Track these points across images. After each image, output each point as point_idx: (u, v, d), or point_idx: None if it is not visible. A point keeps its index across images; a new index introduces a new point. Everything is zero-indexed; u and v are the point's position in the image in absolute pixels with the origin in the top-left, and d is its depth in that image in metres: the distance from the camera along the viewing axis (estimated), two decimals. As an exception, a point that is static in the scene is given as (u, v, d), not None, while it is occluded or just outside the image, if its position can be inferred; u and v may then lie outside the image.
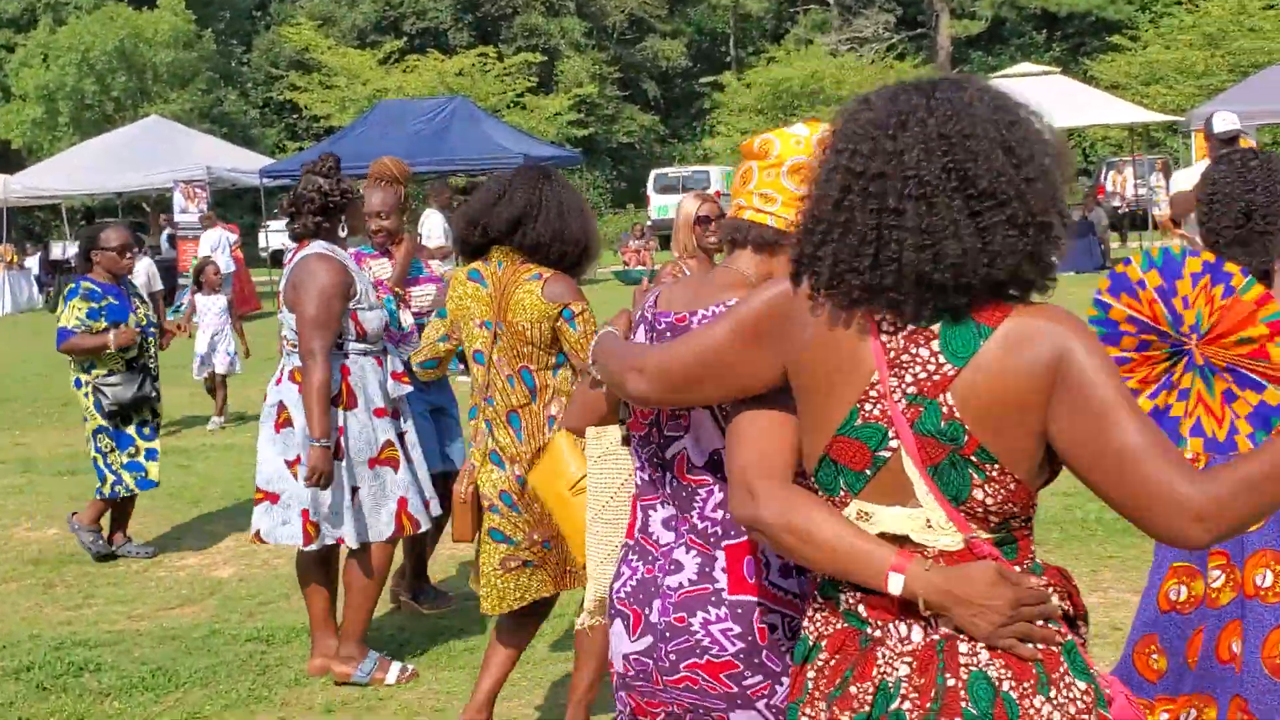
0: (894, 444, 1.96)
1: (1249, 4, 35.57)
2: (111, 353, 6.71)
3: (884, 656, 2.00)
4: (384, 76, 39.17)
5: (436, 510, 5.21)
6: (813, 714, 2.07)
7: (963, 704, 1.93)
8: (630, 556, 2.49)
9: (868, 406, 1.97)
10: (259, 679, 5.15)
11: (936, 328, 1.94)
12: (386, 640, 5.53)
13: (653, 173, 38.28)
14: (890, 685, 1.98)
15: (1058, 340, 1.90)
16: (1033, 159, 1.94)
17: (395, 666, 5.04)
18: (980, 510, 1.95)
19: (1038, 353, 1.90)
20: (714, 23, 52.07)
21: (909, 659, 1.98)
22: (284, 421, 4.97)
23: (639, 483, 2.52)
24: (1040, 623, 1.95)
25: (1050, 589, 2.00)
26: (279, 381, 5.02)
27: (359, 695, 4.91)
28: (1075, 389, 1.89)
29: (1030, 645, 1.94)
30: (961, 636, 1.95)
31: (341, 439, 4.90)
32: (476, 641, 5.41)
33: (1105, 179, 25.51)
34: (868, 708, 1.99)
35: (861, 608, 2.03)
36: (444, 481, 5.71)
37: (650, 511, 2.47)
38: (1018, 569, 1.97)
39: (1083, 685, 1.97)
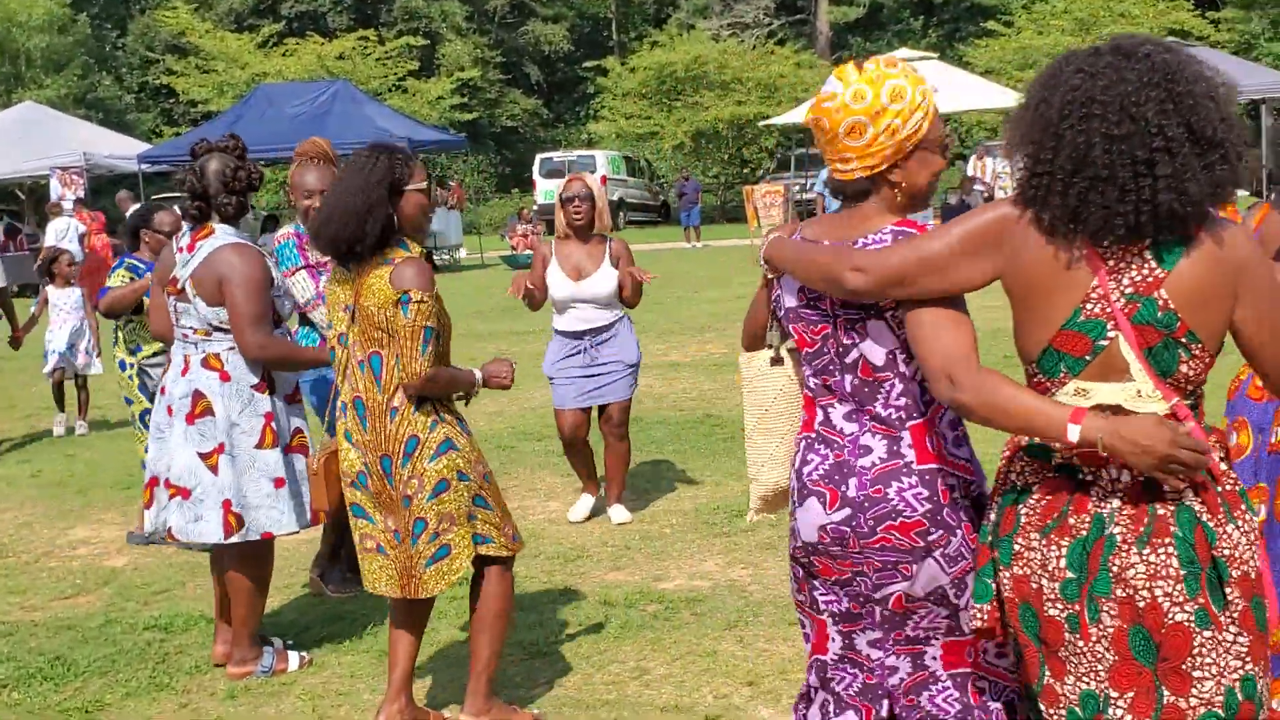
0: (1112, 334, 2.48)
1: (1118, -10, 36.55)
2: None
3: (1097, 494, 2.53)
4: (263, 60, 38.63)
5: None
6: (1025, 543, 2.59)
7: (1171, 528, 2.46)
8: (816, 446, 2.92)
9: (1089, 306, 2.49)
10: (159, 667, 5.12)
11: (1148, 242, 2.47)
12: (288, 626, 5.54)
13: (538, 157, 38.21)
14: (1105, 515, 2.51)
15: (1240, 245, 2.48)
16: (1226, 104, 2.46)
17: (294, 656, 5.03)
18: (1182, 381, 2.50)
19: (1228, 255, 2.46)
20: (596, 7, 52.08)
21: (1120, 495, 2.51)
22: (201, 411, 4.82)
23: (812, 388, 2.95)
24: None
25: (1215, 443, 2.53)
26: (185, 372, 4.86)
27: (262, 681, 4.92)
28: (1254, 281, 2.48)
29: (1180, 479, 2.43)
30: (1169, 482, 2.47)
31: (272, 425, 4.84)
32: (380, 625, 5.43)
33: (970, 165, 25.97)
34: (1084, 532, 2.51)
35: (1075, 458, 2.53)
36: None
37: (829, 409, 2.91)
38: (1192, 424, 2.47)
39: (1255, 521, 2.54)
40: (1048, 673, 2.59)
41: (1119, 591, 2.46)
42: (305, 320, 5.68)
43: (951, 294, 2.65)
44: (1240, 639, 2.47)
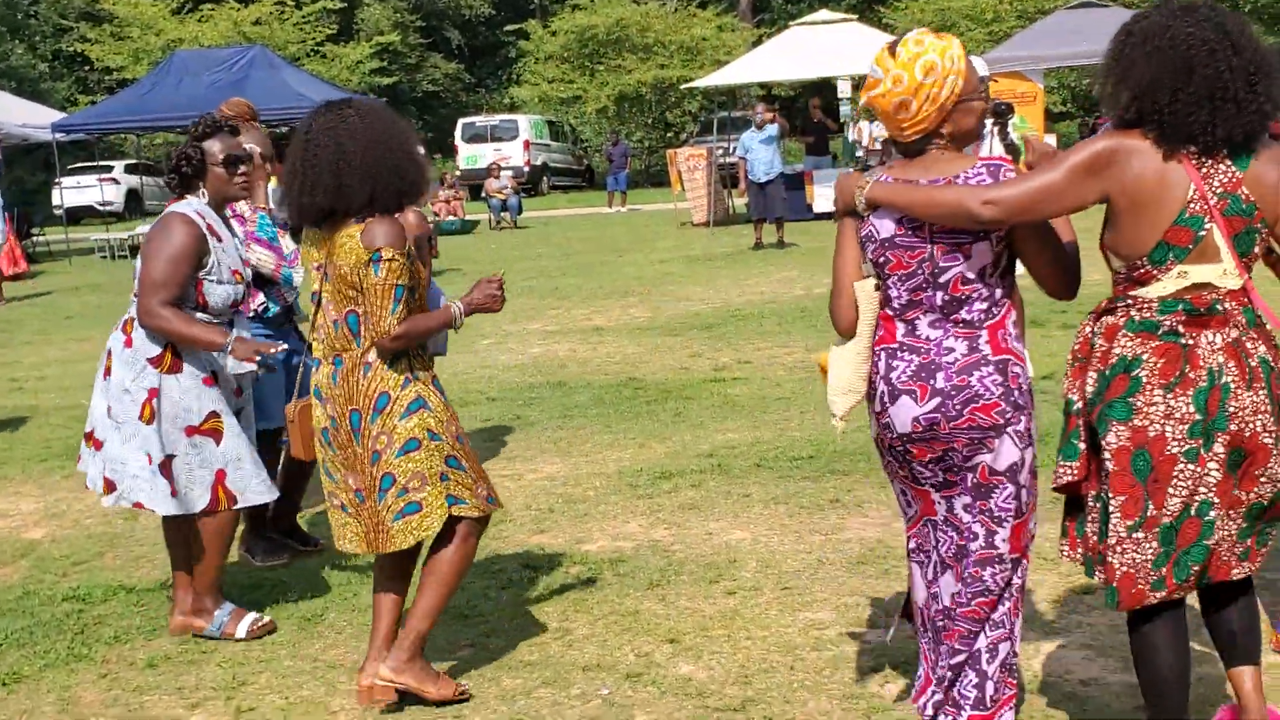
0: (1209, 226, 3.18)
1: (1035, -49, 36.76)
2: None
3: (1203, 354, 3.20)
4: (178, 26, 37.98)
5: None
6: (1147, 399, 3.23)
7: (1260, 372, 3.20)
8: (900, 354, 3.49)
9: (1192, 205, 3.18)
10: (78, 638, 5.08)
11: (1224, 152, 3.20)
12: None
13: (460, 122, 37.92)
14: (1216, 369, 3.20)
15: (1277, 153, 3.23)
16: (1267, 53, 3.22)
17: (248, 618, 4.99)
18: (1249, 260, 3.24)
19: (1275, 158, 3.22)
20: (517, -30, 51.62)
21: (1221, 353, 3.20)
22: (107, 370, 4.90)
23: (898, 306, 3.50)
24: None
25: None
26: (115, 330, 4.95)
27: (182, 650, 4.90)
28: None
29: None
30: (1247, 336, 3.22)
31: (154, 402, 4.80)
32: (302, 592, 5.42)
33: (851, 130, 26.08)
34: (1204, 383, 3.19)
35: (1180, 326, 3.22)
36: (271, 436, 5.77)
37: (915, 322, 3.49)
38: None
39: None
40: (1151, 506, 3.24)
41: (1232, 426, 3.20)
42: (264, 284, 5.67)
43: (1065, 214, 3.31)
44: None
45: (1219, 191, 3.19)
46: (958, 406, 3.41)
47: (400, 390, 4.07)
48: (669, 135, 39.93)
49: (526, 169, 35.59)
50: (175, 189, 4.95)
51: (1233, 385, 3.19)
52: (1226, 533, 3.30)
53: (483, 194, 27.83)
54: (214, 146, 4.97)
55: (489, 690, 4.36)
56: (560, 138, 39.04)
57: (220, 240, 4.91)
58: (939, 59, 3.38)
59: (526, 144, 36.36)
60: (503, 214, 26.73)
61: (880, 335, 3.54)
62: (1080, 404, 3.37)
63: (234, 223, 5.60)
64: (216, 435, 4.87)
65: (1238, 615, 3.46)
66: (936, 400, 3.42)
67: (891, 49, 3.44)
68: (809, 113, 24.49)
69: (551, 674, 4.45)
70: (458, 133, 36.94)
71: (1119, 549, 3.28)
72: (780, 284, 14.72)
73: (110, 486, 4.89)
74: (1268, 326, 3.28)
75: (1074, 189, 3.25)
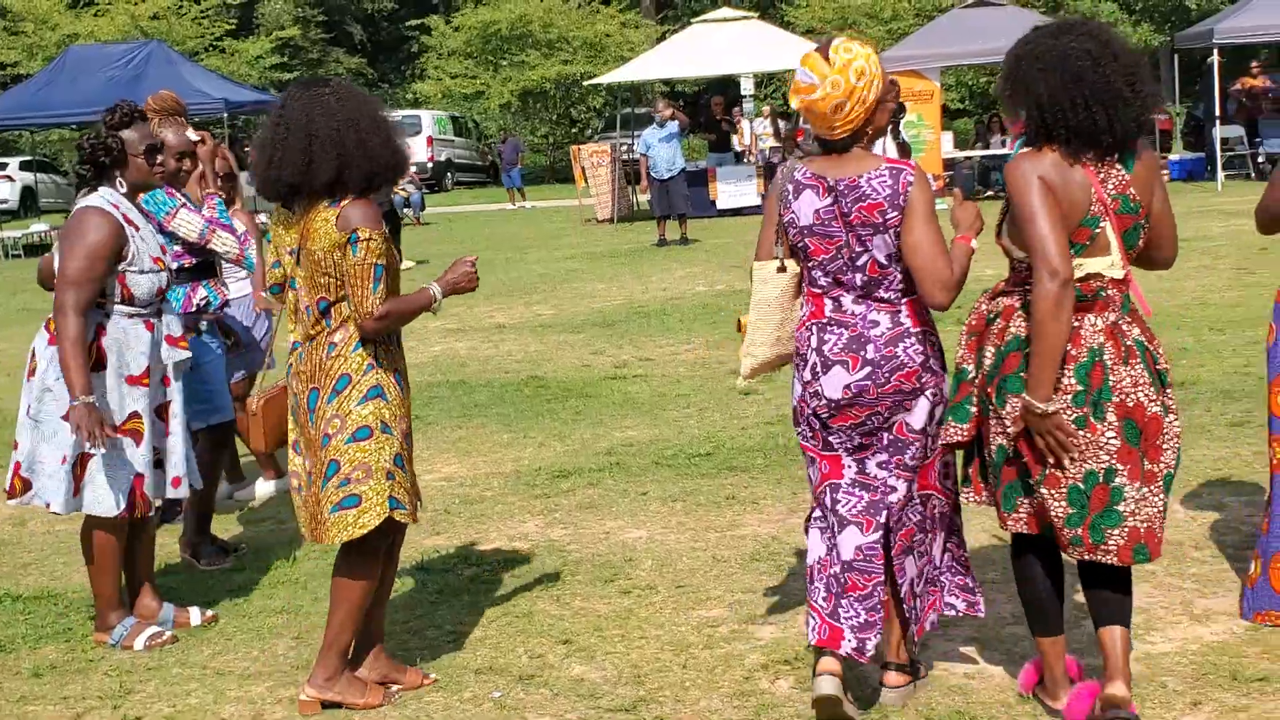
0: (1104, 224, 3.59)
1: (933, -51, 37.21)
2: None
3: (1085, 334, 3.59)
4: (74, 21, 37.17)
5: (184, 491, 5.03)
6: None
7: (1135, 350, 3.60)
8: (830, 329, 3.86)
9: (1093, 207, 3.58)
10: (-40, 649, 4.98)
11: (1115, 158, 3.61)
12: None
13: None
14: (1096, 347, 3.58)
15: (1152, 155, 3.72)
16: (1139, 55, 3.66)
17: (147, 632, 4.90)
18: (1133, 253, 3.68)
19: (1152, 162, 3.68)
20: (420, -35, 51.24)
21: (1101, 334, 3.59)
22: (31, 370, 4.81)
23: (823, 285, 3.88)
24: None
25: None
26: (41, 328, 4.87)
27: (69, 659, 4.82)
28: (1160, 177, 3.71)
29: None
30: (1123, 320, 3.61)
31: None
32: (198, 604, 5.35)
33: (752, 125, 26.19)
34: (1085, 358, 3.57)
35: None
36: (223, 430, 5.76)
37: (840, 299, 3.86)
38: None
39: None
40: (1051, 464, 3.58)
41: (1115, 397, 3.56)
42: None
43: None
44: (1177, 422, 3.69)
45: (1113, 193, 3.59)
46: (886, 374, 3.80)
47: (362, 375, 4.04)
48: (573, 131, 39.86)
49: (430, 165, 35.35)
50: (89, 180, 4.81)
51: (1110, 362, 3.57)
52: (1150, 506, 3.62)
53: (386, 191, 27.61)
54: (133, 135, 4.86)
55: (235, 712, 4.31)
56: (464, 133, 38.83)
57: (138, 229, 4.80)
58: (867, 64, 3.75)
59: (430, 140, 36.08)
60: (405, 210, 26.53)
61: (810, 311, 3.93)
62: (974, 374, 3.76)
63: (185, 210, 5.51)
64: (137, 436, 4.77)
65: (1115, 598, 3.71)
66: (867, 369, 3.81)
67: (823, 54, 3.75)
68: (711, 110, 24.56)
69: (444, 677, 4.43)
70: (360, 129, 36.51)
71: (1036, 497, 3.67)
72: (683, 280, 14.78)
73: (26, 486, 4.77)
74: (1139, 312, 3.69)
75: (1054, 203, 3.56)
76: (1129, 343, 3.61)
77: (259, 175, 4.10)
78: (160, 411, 4.90)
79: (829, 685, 3.84)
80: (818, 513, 4.03)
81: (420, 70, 43.48)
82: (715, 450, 7.15)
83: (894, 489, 3.91)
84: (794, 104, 3.84)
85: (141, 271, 4.76)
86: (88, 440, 4.52)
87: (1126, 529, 3.59)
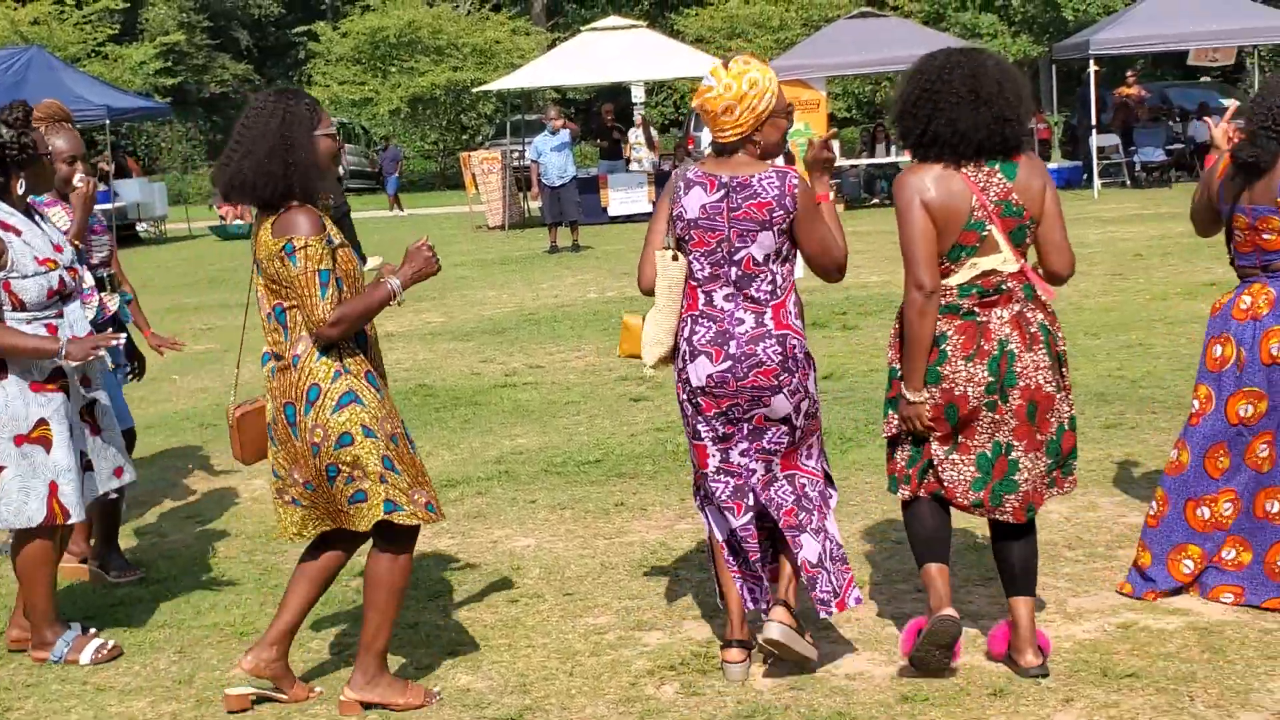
0: (990, 228, 4.02)
1: (820, -40, 37.68)
2: None
3: (994, 328, 4.06)
4: (-53, 24, 36.24)
5: (129, 477, 4.99)
6: (951, 370, 4.08)
7: (1039, 335, 4.08)
8: (702, 321, 4.19)
9: (976, 212, 4.03)
10: None
11: (996, 166, 4.06)
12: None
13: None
14: (1004, 338, 4.06)
15: (1039, 164, 4.17)
16: (1022, 81, 4.14)
17: (91, 645, 4.79)
18: (1022, 248, 4.11)
19: (1036, 168, 4.13)
20: (306, -30, 50.69)
21: (1008, 325, 4.06)
22: None
23: (700, 278, 4.20)
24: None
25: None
26: None
27: (-58, 679, 4.71)
28: (1050, 183, 4.16)
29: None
30: (1027, 308, 4.08)
31: None
32: (79, 618, 5.26)
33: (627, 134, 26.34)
34: (995, 352, 4.04)
35: (975, 307, 4.07)
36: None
37: (713, 293, 4.20)
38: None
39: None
40: (959, 438, 4.12)
41: (1021, 382, 4.05)
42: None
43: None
44: (1069, 397, 4.21)
45: (995, 199, 4.04)
46: (745, 369, 4.13)
47: (330, 383, 4.01)
48: (463, 138, 39.72)
49: (319, 172, 34.97)
50: None
51: (1017, 351, 4.05)
52: (1036, 471, 4.13)
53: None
54: (59, 143, 4.75)
55: (265, 712, 4.29)
56: (353, 140, 38.48)
57: (19, 233, 4.66)
58: (760, 76, 4.14)
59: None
60: (294, 218, 26.22)
61: (687, 304, 4.25)
62: (899, 368, 4.21)
63: (61, 208, 5.35)
64: (45, 443, 4.65)
65: (1018, 553, 4.20)
66: (728, 363, 4.14)
67: (725, 64, 4.21)
68: (602, 117, 24.64)
69: (328, 690, 4.40)
70: (247, 135, 36.06)
71: (940, 469, 4.18)
72: (574, 287, 14.80)
73: None
74: (1043, 298, 4.14)
75: (928, 230, 4.04)
76: (1033, 329, 4.08)
77: (215, 178, 4.17)
78: (83, 413, 4.79)
79: (737, 673, 4.27)
80: (698, 500, 4.46)
81: (308, 76, 43.01)
82: (604, 457, 7.18)
83: (753, 471, 4.25)
84: (693, 104, 4.26)
85: (25, 276, 4.63)
86: (98, 354, 4.51)
87: (1020, 494, 4.12)
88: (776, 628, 4.15)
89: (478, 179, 23.70)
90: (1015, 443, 4.10)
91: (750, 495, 4.25)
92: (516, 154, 24.19)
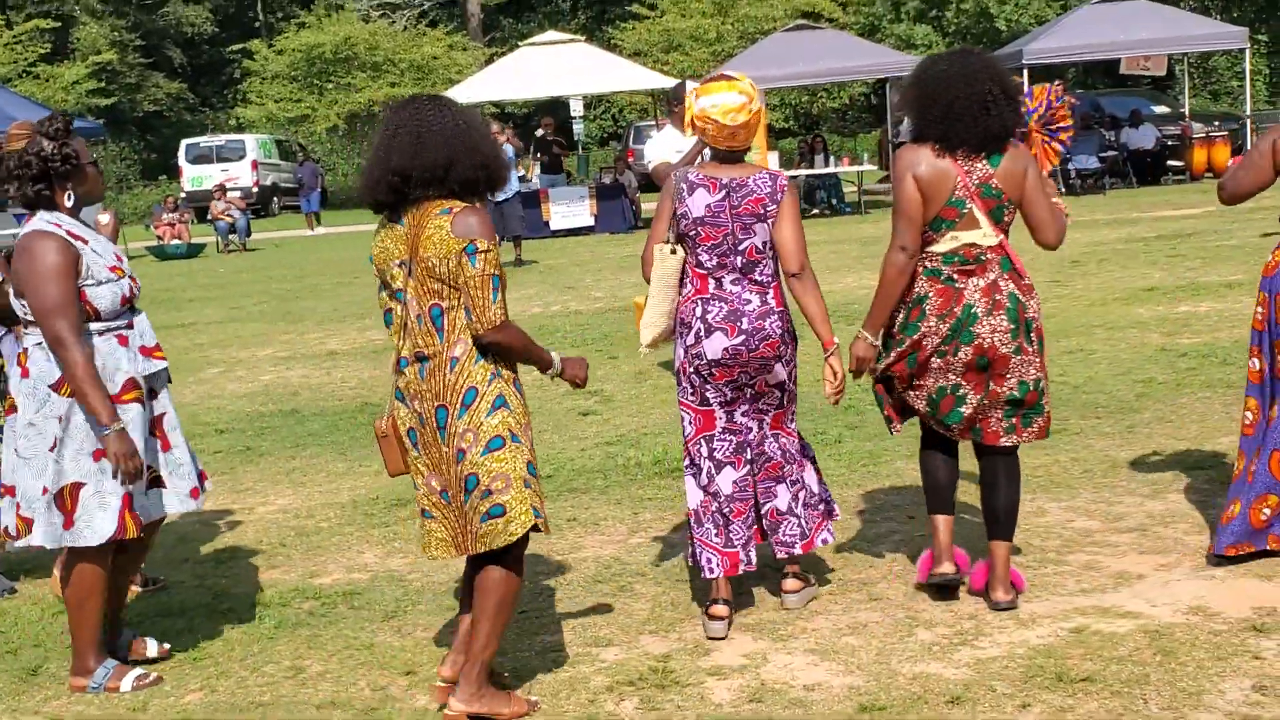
0: (970, 205, 4.61)
1: (754, -26, 37.92)
2: None
3: (968, 294, 4.64)
4: (-127, 45, 35.73)
5: (203, 499, 4.89)
6: (925, 326, 4.67)
7: (1005, 303, 4.64)
8: (713, 302, 4.72)
9: (957, 191, 4.60)
10: None
11: (982, 155, 4.61)
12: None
13: (184, 142, 36.78)
14: (972, 303, 4.63)
15: (1023, 152, 4.72)
16: (1010, 78, 4.68)
17: (132, 674, 4.70)
18: (1003, 226, 4.67)
19: (1020, 156, 4.67)
20: (240, -13, 50.38)
21: (978, 293, 4.63)
22: (9, 409, 4.56)
23: (709, 267, 4.74)
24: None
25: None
26: (11, 365, 4.63)
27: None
28: (1033, 167, 4.69)
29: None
30: (1001, 278, 4.64)
31: (58, 427, 4.48)
32: (29, 646, 5.18)
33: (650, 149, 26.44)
34: (960, 314, 4.62)
35: (955, 274, 4.65)
36: None
37: (722, 279, 4.74)
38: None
39: (1037, 295, 4.81)
40: (915, 380, 4.76)
41: (976, 341, 4.62)
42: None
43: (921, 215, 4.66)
44: (1034, 360, 4.69)
45: (977, 182, 4.61)
46: (756, 342, 4.69)
47: (487, 385, 4.03)
48: (403, 154, 39.51)
49: (255, 190, 34.78)
50: (45, 194, 4.57)
51: (979, 314, 4.62)
52: (995, 416, 4.75)
53: (208, 216, 27.06)
54: (80, 145, 4.66)
55: (222, 735, 4.24)
56: (290, 157, 38.25)
57: (86, 241, 4.58)
58: (757, 90, 4.81)
59: (255, 164, 35.50)
60: (231, 236, 26.04)
61: (697, 288, 4.76)
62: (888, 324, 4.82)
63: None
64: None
65: (1002, 497, 4.81)
66: (742, 337, 4.69)
67: (731, 79, 4.77)
68: (543, 131, 24.63)
69: (284, 714, 4.36)
70: (181, 154, 35.84)
71: (906, 396, 4.87)
72: (518, 302, 14.76)
73: (29, 525, 4.54)
74: (1019, 270, 4.68)
75: (915, 200, 4.63)
76: (1000, 296, 4.64)
77: (366, 182, 4.08)
78: (153, 427, 4.71)
79: (718, 629, 4.72)
80: (688, 462, 4.89)
81: (243, 94, 42.73)
82: (555, 472, 7.17)
83: (750, 429, 4.85)
84: (726, 121, 4.69)
85: (99, 283, 4.55)
86: (126, 474, 4.37)
87: (964, 419, 4.77)
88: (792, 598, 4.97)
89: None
90: (963, 384, 4.72)
91: (748, 449, 4.85)
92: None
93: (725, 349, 4.71)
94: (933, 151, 4.62)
